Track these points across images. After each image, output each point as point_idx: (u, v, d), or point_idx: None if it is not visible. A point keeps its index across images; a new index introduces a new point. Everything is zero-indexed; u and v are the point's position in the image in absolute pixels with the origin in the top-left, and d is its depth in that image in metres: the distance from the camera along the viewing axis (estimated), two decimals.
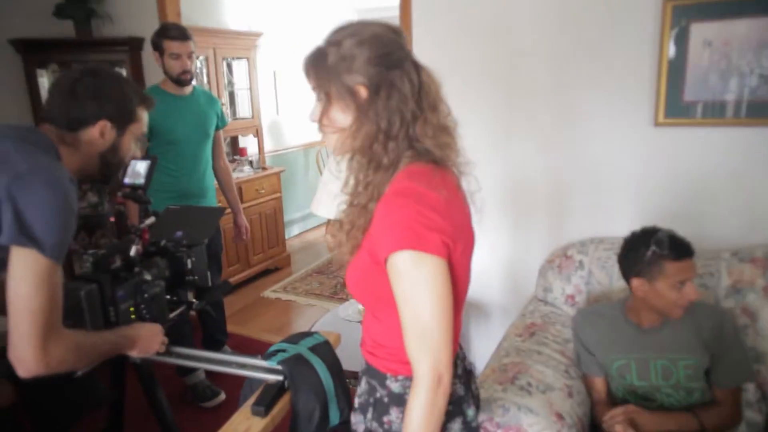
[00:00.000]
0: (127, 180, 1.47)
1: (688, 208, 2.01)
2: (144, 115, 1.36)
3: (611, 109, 2.07)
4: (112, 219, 3.13)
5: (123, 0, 3.17)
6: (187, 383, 2.66)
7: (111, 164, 1.33)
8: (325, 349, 1.50)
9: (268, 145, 4.99)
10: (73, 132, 1.21)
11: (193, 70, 2.50)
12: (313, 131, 5.20)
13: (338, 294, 4.04)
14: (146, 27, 3.06)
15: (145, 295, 1.38)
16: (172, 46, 2.41)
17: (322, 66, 0.96)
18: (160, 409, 1.72)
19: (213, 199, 2.77)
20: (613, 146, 2.09)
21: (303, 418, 1.36)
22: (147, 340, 1.35)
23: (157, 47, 2.44)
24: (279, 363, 1.37)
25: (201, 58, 3.90)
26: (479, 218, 1.05)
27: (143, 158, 1.48)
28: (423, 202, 0.89)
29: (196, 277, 1.55)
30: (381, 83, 0.92)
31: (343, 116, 0.96)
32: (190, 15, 3.34)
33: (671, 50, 1.92)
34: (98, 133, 1.24)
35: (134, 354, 1.35)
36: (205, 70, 4.00)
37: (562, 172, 2.21)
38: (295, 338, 1.52)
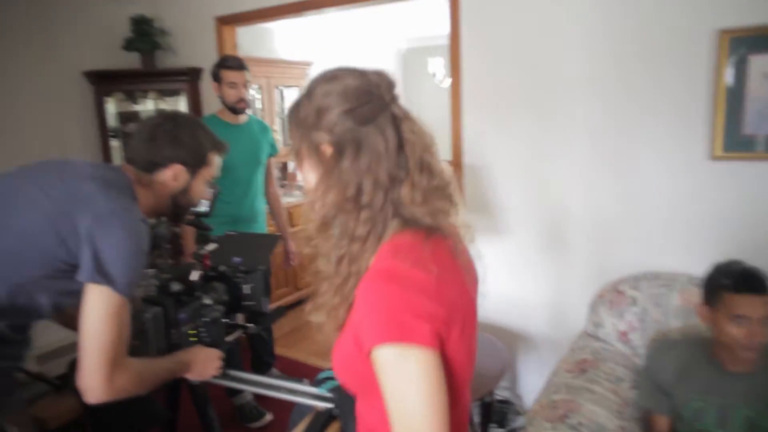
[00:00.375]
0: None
1: (747, 244, 1.94)
2: (216, 160, 1.44)
3: (663, 140, 2.03)
4: (169, 246, 3.26)
5: (184, 33, 3.35)
6: (235, 403, 2.71)
7: (181, 205, 1.41)
8: None
9: None
10: (149, 173, 1.30)
11: (248, 99, 2.61)
12: None
13: None
14: (205, 58, 3.22)
15: (205, 319, 1.43)
16: (229, 75, 2.53)
17: (294, 119, 0.87)
18: (211, 429, 1.78)
19: (263, 224, 2.85)
20: (665, 179, 2.05)
21: None
22: (203, 364, 1.39)
23: (216, 77, 2.57)
24: (329, 390, 1.39)
25: (255, 86, 4.06)
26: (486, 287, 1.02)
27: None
28: (409, 286, 0.77)
29: (253, 303, 1.59)
30: (346, 141, 0.81)
31: (313, 176, 0.86)
32: (245, 46, 3.49)
33: (729, 81, 1.88)
34: (172, 176, 1.32)
35: (190, 377, 1.39)
36: (259, 98, 4.16)
37: (611, 204, 2.17)
38: None
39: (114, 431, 1.54)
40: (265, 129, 2.83)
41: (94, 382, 1.07)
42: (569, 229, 2.27)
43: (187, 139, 1.33)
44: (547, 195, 2.30)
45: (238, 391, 2.66)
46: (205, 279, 1.55)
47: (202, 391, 1.72)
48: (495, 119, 2.36)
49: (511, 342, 2.47)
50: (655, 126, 2.04)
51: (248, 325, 1.63)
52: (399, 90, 0.87)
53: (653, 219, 2.10)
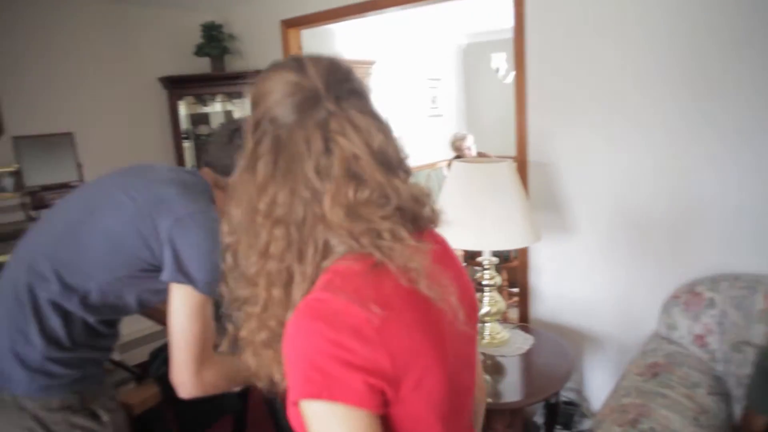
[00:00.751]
0: None
1: None
2: None
3: (748, 133, 1.91)
4: None
5: (251, 37, 3.46)
6: None
7: None
8: None
9: None
10: (225, 177, 1.34)
11: None
12: (424, 155, 5.28)
13: None
14: (270, 60, 3.31)
15: None
16: None
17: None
18: (278, 419, 1.84)
19: None
20: (748, 174, 1.92)
21: None
22: None
23: None
24: None
25: None
26: None
27: None
28: (340, 326, 0.61)
29: None
30: (265, 137, 0.70)
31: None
32: (310, 47, 3.56)
33: None
34: None
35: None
36: None
37: (685, 201, 2.06)
38: None
39: (190, 417, 1.63)
40: None
41: (184, 378, 1.12)
42: (640, 227, 2.18)
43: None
44: (615, 191, 2.22)
45: None
46: None
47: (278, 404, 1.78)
48: (561, 115, 2.29)
49: (578, 342, 2.40)
50: (736, 120, 1.92)
51: None
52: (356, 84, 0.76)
53: (732, 217, 1.98)
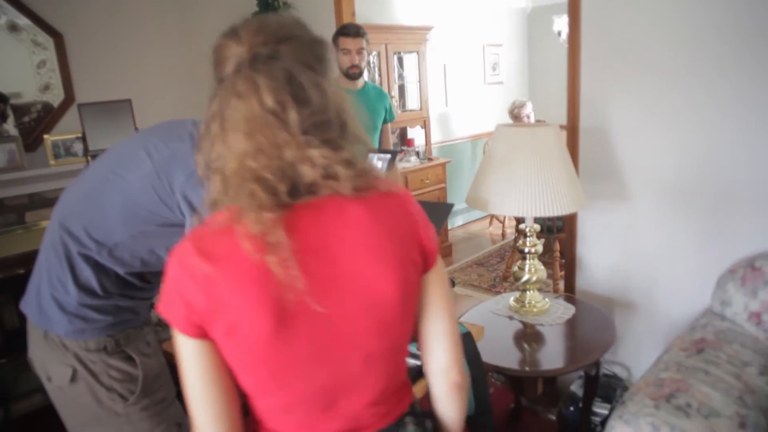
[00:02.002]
0: None
1: None
2: (341, 41, 1.42)
3: None
4: None
5: (306, 5, 3.47)
6: None
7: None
8: (467, 341, 1.52)
9: (436, 137, 5.10)
10: None
11: (362, 66, 2.67)
12: (481, 123, 5.23)
13: (496, 287, 4.00)
14: (324, 28, 3.32)
15: None
16: (344, 41, 2.61)
17: None
18: None
19: None
20: None
21: None
22: None
23: (334, 43, 2.65)
24: (418, 349, 1.42)
25: (374, 53, 4.12)
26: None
27: (384, 152, 1.46)
28: (185, 267, 0.74)
29: None
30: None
31: None
32: (364, 13, 3.54)
33: None
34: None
35: None
36: (376, 65, 4.22)
37: (747, 170, 1.91)
38: None
39: None
40: (381, 95, 2.88)
41: None
42: (694, 199, 2.05)
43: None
44: (668, 162, 2.08)
45: None
46: None
47: None
48: (615, 79, 2.16)
49: (626, 316, 2.31)
50: None
51: None
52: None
53: None
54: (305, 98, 0.74)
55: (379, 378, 0.85)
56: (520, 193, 1.88)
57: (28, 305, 1.29)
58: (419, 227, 0.85)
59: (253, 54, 0.76)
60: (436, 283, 0.89)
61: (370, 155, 1.48)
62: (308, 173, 0.74)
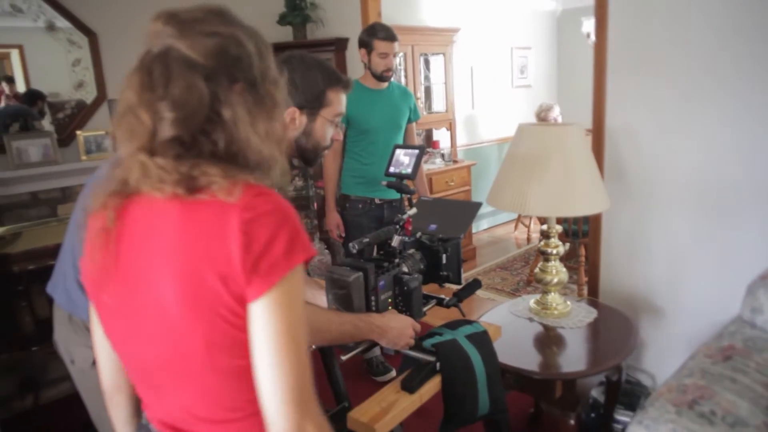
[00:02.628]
0: (392, 169, 1.42)
1: None
2: (338, 98, 1.37)
3: None
4: (315, 205, 3.51)
5: (332, 5, 3.50)
6: (364, 357, 2.87)
7: (306, 149, 1.38)
8: (482, 339, 1.50)
9: (462, 139, 5.07)
10: None
11: (393, 68, 2.68)
12: (507, 126, 5.17)
13: (519, 291, 3.95)
14: (350, 28, 3.35)
15: (405, 288, 1.35)
16: (381, 46, 2.60)
17: None
18: (334, 377, 1.90)
19: None
20: None
21: (452, 402, 1.38)
22: (399, 332, 1.31)
23: (366, 45, 2.64)
24: (433, 345, 1.41)
25: (400, 55, 4.12)
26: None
27: (410, 147, 1.44)
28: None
29: (450, 274, 1.49)
30: None
31: None
32: (390, 14, 3.56)
33: None
34: (288, 121, 1.32)
35: (383, 343, 1.31)
36: (402, 66, 4.22)
37: None
38: (455, 324, 1.54)
39: None
40: (406, 94, 2.87)
41: None
42: (724, 200, 1.99)
43: (299, 81, 1.29)
44: (696, 166, 2.03)
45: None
46: (404, 246, 1.45)
47: (329, 347, 1.82)
48: (641, 80, 2.12)
49: (651, 322, 2.25)
50: None
51: (443, 297, 1.55)
52: None
53: None
54: (178, 101, 0.72)
55: (186, 391, 0.78)
56: (542, 193, 1.85)
57: (54, 288, 1.32)
58: (231, 246, 0.70)
59: (150, 45, 0.75)
60: (259, 319, 0.72)
61: (397, 150, 1.47)
62: (134, 173, 0.74)
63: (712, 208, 2.02)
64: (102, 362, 0.93)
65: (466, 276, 4.27)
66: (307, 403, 0.73)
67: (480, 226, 5.45)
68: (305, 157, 1.41)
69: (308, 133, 1.36)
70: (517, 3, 5.36)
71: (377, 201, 2.74)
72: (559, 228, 2.04)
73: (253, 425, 0.78)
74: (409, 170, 1.41)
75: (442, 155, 4.60)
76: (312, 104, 1.33)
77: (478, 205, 1.70)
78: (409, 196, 1.47)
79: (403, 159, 1.44)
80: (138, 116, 0.72)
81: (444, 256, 1.47)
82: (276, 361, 0.71)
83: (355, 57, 3.42)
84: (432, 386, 1.36)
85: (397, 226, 1.40)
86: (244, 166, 0.75)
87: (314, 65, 1.35)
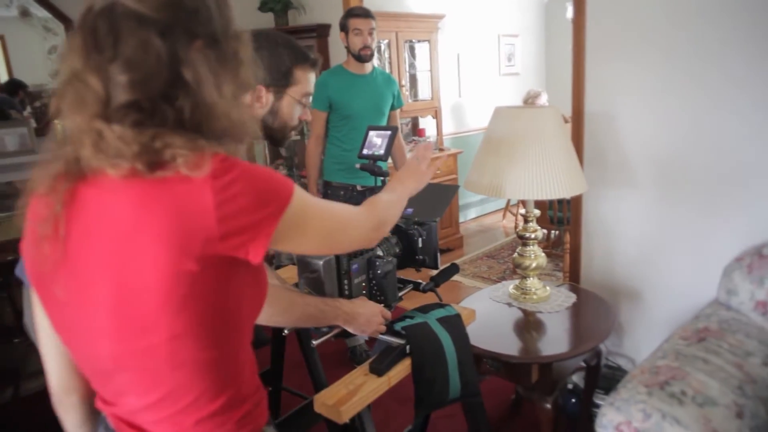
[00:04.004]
0: (365, 151, 1.41)
1: None
2: (305, 77, 1.33)
3: None
4: None
5: None
6: (348, 345, 2.85)
7: (273, 128, 1.35)
8: (454, 322, 1.49)
9: (449, 128, 5.04)
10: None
11: (373, 47, 2.65)
12: None
13: (505, 279, 3.94)
14: (332, 14, 3.32)
15: (378, 272, 1.34)
16: (355, 22, 2.59)
17: None
18: (313, 364, 1.89)
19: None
20: None
21: (422, 385, 1.37)
22: (367, 319, 1.30)
23: (343, 27, 2.63)
24: (403, 328, 1.40)
25: (384, 42, 4.08)
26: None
27: (382, 129, 1.42)
28: None
29: (426, 258, 1.47)
30: None
31: None
32: (373, 1, 3.51)
33: None
34: (254, 99, 1.28)
35: (351, 330, 1.30)
36: (387, 54, 4.18)
37: (762, 148, 1.83)
38: (426, 308, 1.53)
39: None
40: (389, 81, 2.85)
41: None
42: (703, 183, 1.98)
43: (266, 59, 1.25)
44: (675, 149, 2.01)
45: (351, 333, 2.80)
46: None
47: (306, 333, 1.81)
48: (622, 61, 2.10)
49: (631, 306, 2.25)
50: None
51: (419, 282, 1.53)
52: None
53: None
54: (132, 61, 0.64)
55: (146, 388, 0.73)
56: (518, 175, 1.83)
57: (23, 271, 1.30)
58: (208, 223, 0.65)
59: (91, 1, 0.66)
60: (297, 245, 0.81)
61: (370, 132, 1.45)
62: (87, 148, 0.66)
63: (690, 193, 2.01)
64: (49, 362, 0.85)
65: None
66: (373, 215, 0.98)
67: (468, 215, 5.44)
68: (272, 136, 1.38)
69: (275, 112, 1.33)
70: None
71: (359, 188, 2.72)
72: (537, 212, 2.03)
73: (218, 425, 0.75)
74: (382, 151, 1.39)
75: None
76: (279, 82, 1.30)
77: (455, 188, 1.69)
78: (383, 178, 1.45)
79: (376, 140, 1.42)
80: (86, 82, 0.64)
81: (420, 239, 1.46)
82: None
83: (337, 43, 3.39)
84: (401, 369, 1.35)
85: None
86: (211, 136, 0.69)
87: (281, 42, 1.32)
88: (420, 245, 1.46)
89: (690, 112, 1.96)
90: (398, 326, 1.42)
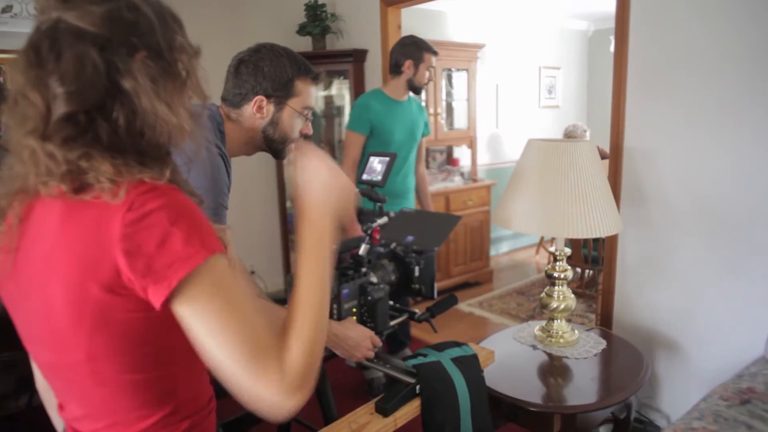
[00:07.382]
0: (365, 176, 1.39)
1: None
2: (307, 89, 1.34)
3: None
4: None
5: (352, 16, 3.47)
6: (365, 377, 2.76)
7: (273, 140, 1.35)
8: (470, 363, 1.40)
9: (485, 158, 4.96)
10: (236, 108, 1.31)
11: None
12: None
13: (535, 318, 3.78)
14: (370, 41, 3.32)
15: (369, 298, 1.31)
16: (430, 58, 2.60)
17: None
18: (324, 396, 1.81)
19: (412, 201, 2.86)
20: None
21: (431, 429, 1.28)
22: (355, 343, 1.26)
23: (415, 57, 2.58)
24: (414, 366, 1.31)
25: None
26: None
27: (381, 155, 1.40)
28: None
29: (422, 287, 1.43)
30: None
31: None
32: (411, 27, 3.50)
33: None
34: (255, 109, 1.30)
35: (339, 353, 1.27)
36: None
37: None
38: (442, 346, 1.45)
39: None
40: (421, 108, 2.84)
41: None
42: (750, 229, 1.84)
43: (267, 69, 1.27)
44: (722, 185, 1.89)
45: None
46: (377, 256, 1.42)
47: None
48: (665, 97, 2.00)
49: (667, 357, 2.10)
50: None
51: (415, 311, 1.48)
52: None
53: None
54: (69, 74, 0.65)
55: (75, 400, 0.76)
56: (547, 211, 1.74)
57: None
58: (114, 254, 0.64)
59: (38, 22, 0.67)
60: (184, 320, 0.67)
61: (371, 157, 1.42)
62: (26, 166, 0.67)
63: (734, 238, 1.87)
64: (32, 361, 0.89)
65: (480, 300, 4.14)
66: (265, 351, 0.67)
67: (500, 249, 5.30)
68: (272, 148, 1.38)
69: (275, 123, 1.34)
70: (546, 21, 5.26)
71: (392, 215, 2.66)
72: (568, 251, 1.92)
73: None
74: (379, 178, 1.35)
75: (462, 173, 4.50)
76: (279, 93, 1.31)
77: (457, 218, 1.63)
78: (380, 204, 1.41)
79: (376, 166, 1.39)
80: (28, 97, 0.65)
81: (417, 268, 1.42)
82: (219, 341, 0.66)
83: (372, 68, 3.38)
84: (409, 410, 1.26)
85: (366, 235, 1.34)
86: (146, 154, 0.69)
87: (283, 54, 1.32)
88: (417, 274, 1.42)
89: (733, 152, 1.84)
90: (410, 363, 1.34)
